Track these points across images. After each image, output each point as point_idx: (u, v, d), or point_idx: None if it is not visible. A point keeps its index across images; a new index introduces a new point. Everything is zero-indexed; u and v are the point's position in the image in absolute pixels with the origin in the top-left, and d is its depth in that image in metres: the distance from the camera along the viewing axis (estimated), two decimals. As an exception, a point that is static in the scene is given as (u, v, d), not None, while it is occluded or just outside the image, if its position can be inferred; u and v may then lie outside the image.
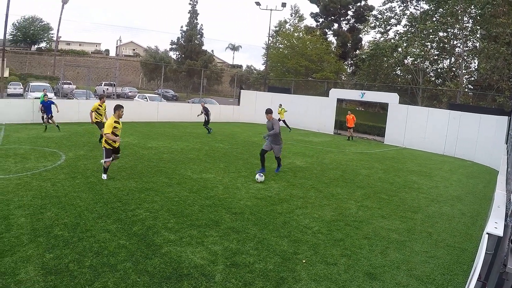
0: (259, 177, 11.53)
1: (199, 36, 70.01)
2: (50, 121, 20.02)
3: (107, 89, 45.10)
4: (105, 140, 10.52)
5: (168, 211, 8.40)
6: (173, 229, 7.34)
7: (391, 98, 24.97)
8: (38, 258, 5.87)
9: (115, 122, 10.48)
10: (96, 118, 16.26)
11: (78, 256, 6.00)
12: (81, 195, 9.10)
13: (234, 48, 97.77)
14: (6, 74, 32.69)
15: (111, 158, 10.76)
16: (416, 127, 23.17)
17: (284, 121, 27.55)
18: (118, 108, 10.57)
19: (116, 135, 10.53)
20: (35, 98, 25.46)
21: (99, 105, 16.28)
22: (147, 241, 6.68)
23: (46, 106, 20.12)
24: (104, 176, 10.71)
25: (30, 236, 6.64)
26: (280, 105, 28.67)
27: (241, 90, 34.87)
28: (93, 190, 9.53)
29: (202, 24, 71.91)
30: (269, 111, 12.65)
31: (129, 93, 48.64)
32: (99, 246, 6.38)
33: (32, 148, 14.67)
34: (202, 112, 23.36)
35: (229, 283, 5.46)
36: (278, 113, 27.51)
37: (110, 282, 5.31)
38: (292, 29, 52.62)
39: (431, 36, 35.18)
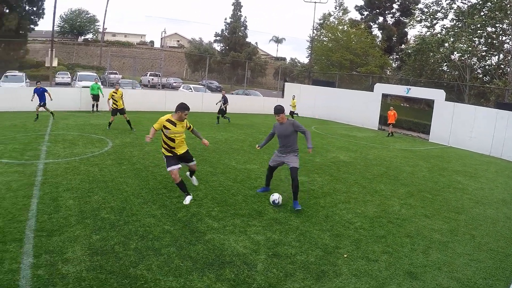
0: (276, 199, 8.37)
1: (243, 28, 70.44)
2: (44, 108, 18.96)
3: (152, 79, 45.98)
4: (162, 145, 8.24)
5: (212, 199, 8.52)
6: (216, 217, 7.44)
7: (437, 95, 24.27)
8: (85, 238, 6.08)
9: (168, 121, 7.97)
10: (114, 105, 17.19)
11: (123, 238, 6.18)
12: (128, 181, 9.35)
13: (278, 40, 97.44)
14: (55, 63, 33.72)
15: (175, 167, 8.06)
16: (462, 126, 22.36)
17: (294, 113, 27.26)
18: (179, 109, 8.00)
19: (171, 139, 8.06)
20: (82, 87, 26.18)
21: (113, 92, 17.26)
22: (191, 228, 6.81)
23: (39, 94, 18.84)
24: (187, 200, 8.24)
25: (78, 218, 6.88)
26: (294, 96, 28.34)
27: (285, 83, 34.74)
28: (139, 177, 9.76)
29: (245, 16, 72.18)
30: (280, 110, 8.38)
31: (174, 84, 49.28)
32: (144, 230, 6.56)
33: (79, 134, 15.13)
34: (220, 101, 22.55)
35: (270, 273, 5.49)
36: (291, 105, 27.12)
37: (154, 265, 5.44)
38: (336, 22, 51.98)
39: (479, 31, 34.03)
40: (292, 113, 27.19)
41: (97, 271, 5.15)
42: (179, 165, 8.17)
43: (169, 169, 8.06)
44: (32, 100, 18.77)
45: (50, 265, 5.22)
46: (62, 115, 20.27)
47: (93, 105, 23.20)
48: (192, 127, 8.62)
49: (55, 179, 9.09)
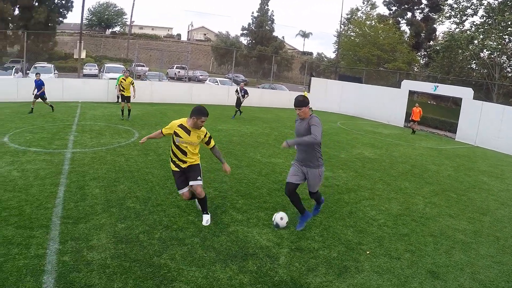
0: (280, 220, 6.67)
1: (269, 22, 70.31)
2: (34, 100, 17.84)
3: (179, 71, 46.33)
4: (171, 157, 6.70)
5: (236, 192, 8.58)
6: (241, 210, 7.50)
7: (465, 93, 23.75)
8: (111, 227, 6.21)
9: (181, 127, 6.37)
10: (121, 92, 17.40)
11: (148, 228, 6.28)
12: (153, 171, 9.48)
13: (305, 35, 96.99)
14: (83, 55, 34.31)
15: (185, 190, 6.64)
16: (490, 126, 21.79)
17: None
18: (195, 113, 6.25)
19: (182, 151, 6.46)
20: (110, 78, 26.55)
21: (122, 79, 17.47)
22: (215, 219, 6.85)
23: (37, 86, 17.95)
24: (206, 220, 6.70)
25: (104, 206, 7.02)
26: (305, 88, 27.79)
27: (312, 77, 34.59)
28: (164, 167, 9.85)
29: (273, 10, 72.30)
30: (302, 102, 6.37)
31: (200, 77, 49.60)
32: (169, 220, 6.65)
33: (106, 125, 15.37)
34: (237, 92, 21.70)
35: (292, 266, 5.51)
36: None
37: (178, 255, 5.52)
38: (364, 17, 51.46)
39: (509, 29, 33.21)
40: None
41: (121, 259, 5.25)
42: (188, 186, 6.63)
43: (180, 192, 6.70)
44: (33, 94, 18.01)
45: (75, 252, 5.34)
46: (90, 106, 20.60)
47: (118, 96, 23.50)
48: (212, 143, 6.70)
49: (82, 168, 9.28)
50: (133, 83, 17.69)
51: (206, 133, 6.57)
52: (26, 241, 5.52)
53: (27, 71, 29.11)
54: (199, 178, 6.56)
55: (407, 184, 10.80)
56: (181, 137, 6.37)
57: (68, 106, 20.13)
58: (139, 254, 5.44)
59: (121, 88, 17.33)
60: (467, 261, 6.26)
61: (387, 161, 13.74)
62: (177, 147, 6.45)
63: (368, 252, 6.20)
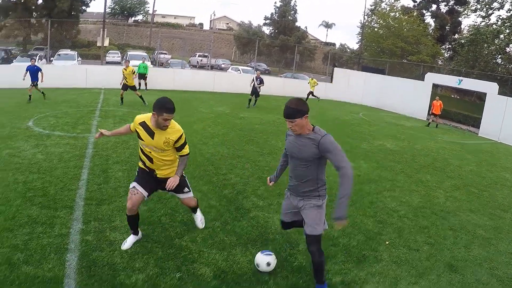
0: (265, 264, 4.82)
1: (292, 12, 69.85)
2: (35, 88, 16.90)
3: (201, 60, 46.48)
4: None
5: (258, 178, 8.63)
6: (262, 196, 7.55)
7: (489, 88, 23.36)
8: (133, 209, 6.29)
9: (143, 126, 4.86)
10: (125, 81, 17.65)
11: (170, 211, 6.38)
12: (175, 156, 9.57)
13: (328, 25, 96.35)
14: (106, 43, 34.67)
15: (139, 190, 4.98)
16: (515, 122, 21.52)
17: (312, 93, 26.66)
18: (155, 108, 4.60)
19: (148, 158, 4.99)
20: (133, 66, 26.76)
21: (123, 69, 17.78)
22: (236, 204, 6.94)
23: (32, 72, 16.80)
24: (127, 242, 5.15)
25: (126, 189, 6.86)
26: (312, 77, 27.74)
27: (334, 68, 34.41)
28: (187, 151, 9.96)
29: (295, 0, 71.46)
30: (295, 112, 4.49)
31: (222, 65, 49.65)
32: (191, 204, 6.71)
33: (129, 111, 15.55)
34: (253, 81, 20.87)
35: (312, 253, 5.54)
36: (309, 83, 26.57)
37: (199, 237, 5.60)
38: (388, 9, 50.81)
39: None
40: (311, 93, 26.67)
41: (143, 240, 5.34)
42: (146, 193, 5.03)
43: (131, 186, 5.08)
44: (24, 79, 16.96)
45: (98, 232, 5.47)
46: (113, 93, 20.80)
47: (139, 83, 23.65)
48: (185, 151, 5.11)
49: (105, 152, 9.43)
50: (134, 72, 18.01)
51: (181, 136, 4.90)
52: (50, 220, 5.66)
53: (51, 58, 29.59)
54: (186, 190, 5.31)
55: (429, 177, 10.71)
56: (142, 140, 4.88)
57: (91, 93, 20.41)
58: (161, 235, 5.53)
59: (124, 78, 17.55)
60: (486, 257, 6.18)
61: (409, 153, 13.63)
62: (142, 150, 5.02)
63: (387, 243, 6.19)
